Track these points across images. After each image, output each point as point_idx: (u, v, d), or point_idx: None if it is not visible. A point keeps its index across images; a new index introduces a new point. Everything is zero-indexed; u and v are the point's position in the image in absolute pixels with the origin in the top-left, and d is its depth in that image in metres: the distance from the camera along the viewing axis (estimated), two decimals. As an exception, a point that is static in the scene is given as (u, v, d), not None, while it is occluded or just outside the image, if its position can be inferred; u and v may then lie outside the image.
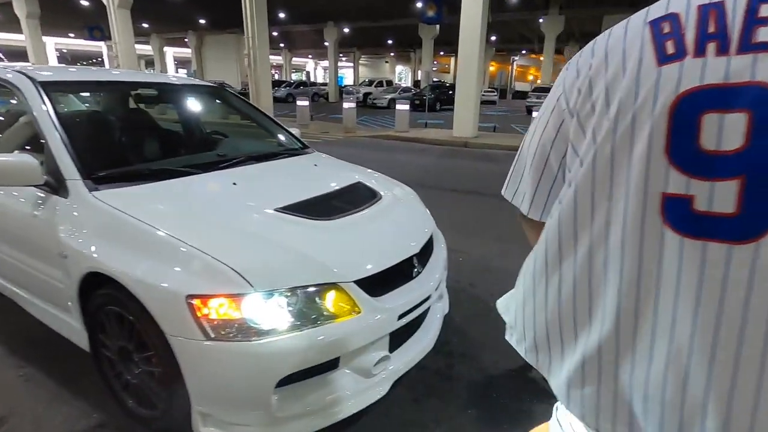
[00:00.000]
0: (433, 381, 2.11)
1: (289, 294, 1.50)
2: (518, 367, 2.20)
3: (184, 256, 1.48)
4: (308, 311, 1.53)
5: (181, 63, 50.33)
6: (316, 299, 1.55)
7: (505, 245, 3.96)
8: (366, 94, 24.73)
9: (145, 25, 29.68)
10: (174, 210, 1.71)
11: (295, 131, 3.07)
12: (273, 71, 60.38)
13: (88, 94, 2.68)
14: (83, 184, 1.75)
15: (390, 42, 35.71)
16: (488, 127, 13.73)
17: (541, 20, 22.68)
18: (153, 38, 33.42)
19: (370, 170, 2.73)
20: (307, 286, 1.54)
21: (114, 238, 1.61)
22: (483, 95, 31.03)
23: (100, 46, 34.58)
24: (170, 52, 49.69)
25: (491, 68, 41.77)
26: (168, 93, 2.86)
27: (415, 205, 2.35)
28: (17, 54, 28.99)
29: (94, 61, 46.87)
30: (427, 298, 1.91)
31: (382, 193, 2.26)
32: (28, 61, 20.55)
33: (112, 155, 2.06)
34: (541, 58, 26.68)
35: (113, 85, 2.39)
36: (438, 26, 23.13)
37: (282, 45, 39.50)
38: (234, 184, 1.99)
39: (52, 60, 45.14)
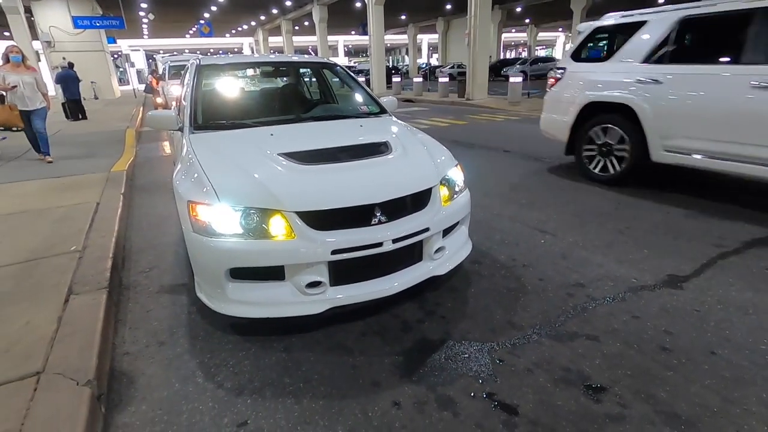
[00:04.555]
0: (393, 327, 2.24)
1: (242, 211, 2.01)
2: (477, 348, 2.07)
3: (196, 175, 2.19)
4: (253, 226, 2.01)
5: (435, 49, 55.07)
6: (261, 219, 2.01)
7: (616, 237, 3.27)
8: (610, 68, 21.33)
9: (403, 17, 33.83)
10: (216, 146, 2.46)
11: (387, 99, 3.45)
12: (522, 50, 58.62)
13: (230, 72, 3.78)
14: (189, 129, 2.72)
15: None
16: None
17: None
18: (409, 28, 37.78)
19: (423, 135, 2.86)
20: (257, 208, 2.01)
21: (181, 157, 2.50)
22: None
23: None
24: (425, 39, 54.88)
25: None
26: (282, 69, 3.71)
27: (422, 169, 2.39)
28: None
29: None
30: (377, 245, 2.06)
31: (394, 151, 2.45)
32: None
33: (213, 113, 3.00)
34: None
35: (240, 66, 3.38)
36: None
37: (527, 20, 37.82)
38: (271, 134, 2.60)
39: (341, 53, 56.94)
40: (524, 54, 48.79)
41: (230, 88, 3.40)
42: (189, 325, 2.32)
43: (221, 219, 2.01)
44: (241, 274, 2.06)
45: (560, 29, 47.53)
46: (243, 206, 2.02)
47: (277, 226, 2.01)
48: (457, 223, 2.51)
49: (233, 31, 43.79)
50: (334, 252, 2.01)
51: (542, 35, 48.14)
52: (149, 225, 3.93)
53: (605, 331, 2.15)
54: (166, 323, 2.35)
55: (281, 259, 2.00)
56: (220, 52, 57.62)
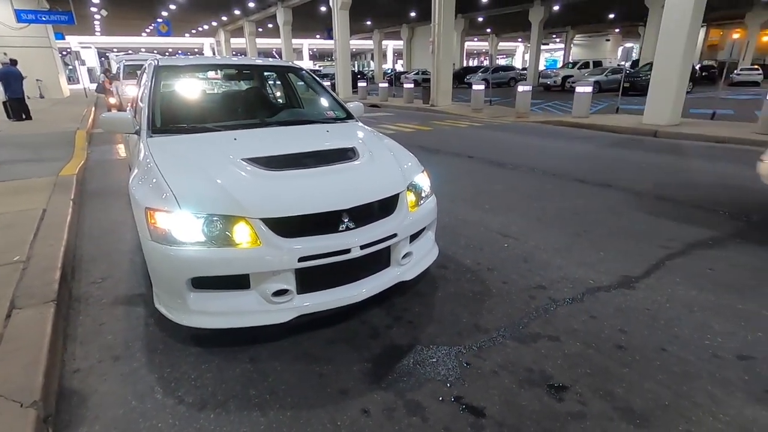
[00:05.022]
0: (361, 333, 2.23)
1: (205, 218, 1.94)
2: (445, 352, 2.10)
3: (154, 180, 2.10)
4: (217, 234, 1.94)
5: (400, 55, 55.67)
6: (225, 226, 1.95)
7: (574, 240, 3.42)
8: (566, 77, 22.41)
9: (368, 23, 34.02)
10: (175, 151, 2.36)
11: (354, 105, 3.44)
12: (483, 58, 60.46)
13: (189, 74, 3.63)
14: (147, 133, 2.60)
15: (612, 17, 30.91)
16: (706, 114, 10.79)
17: None
18: (374, 34, 38.04)
19: (389, 141, 2.87)
20: (220, 215, 1.95)
21: (138, 162, 2.39)
22: (738, 75, 24.00)
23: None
24: (391, 45, 55.41)
25: None
26: (246, 72, 3.64)
27: (389, 175, 2.40)
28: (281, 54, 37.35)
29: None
30: (345, 252, 2.05)
31: (361, 157, 2.44)
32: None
33: (172, 117, 2.88)
34: None
35: (202, 68, 3.30)
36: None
37: (489, 30, 39.05)
38: (235, 139, 2.53)
39: (306, 57, 56.39)
40: (486, 62, 50.30)
41: (191, 90, 3.28)
42: (146, 338, 2.20)
43: (182, 226, 1.93)
44: (203, 283, 1.99)
45: (519, 39, 49.41)
46: (205, 213, 1.95)
47: (242, 233, 1.96)
48: (424, 228, 2.54)
49: (193, 31, 42.43)
50: (301, 259, 1.97)
51: (503, 45, 49.86)
52: (102, 232, 3.72)
53: (566, 332, 2.23)
54: (121, 337, 2.22)
55: (246, 268, 1.95)
56: (179, 52, 55.65)
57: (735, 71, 24.42)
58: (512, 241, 3.44)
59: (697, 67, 22.52)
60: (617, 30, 39.15)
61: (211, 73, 3.57)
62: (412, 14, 30.60)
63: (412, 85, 17.09)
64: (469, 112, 13.40)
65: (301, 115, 3.42)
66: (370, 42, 41.27)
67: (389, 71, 38.75)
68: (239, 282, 2.00)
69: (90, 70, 35.52)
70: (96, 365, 2.01)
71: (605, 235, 3.55)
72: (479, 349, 2.10)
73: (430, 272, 2.84)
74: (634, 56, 26.00)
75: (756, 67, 25.13)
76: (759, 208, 4.14)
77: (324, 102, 3.49)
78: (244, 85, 3.76)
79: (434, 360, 2.02)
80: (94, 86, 22.12)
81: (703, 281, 2.76)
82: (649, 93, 9.66)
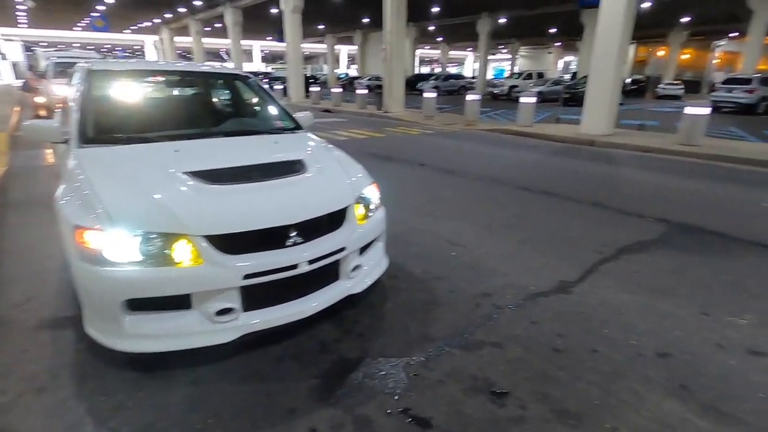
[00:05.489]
0: (310, 349, 2.21)
1: (142, 236, 1.85)
2: (393, 364, 2.13)
3: (85, 194, 1.97)
4: (155, 252, 1.85)
5: (353, 59, 55.81)
6: (164, 245, 1.86)
7: (518, 247, 3.59)
8: (512, 87, 23.50)
9: (321, 27, 33.85)
10: (109, 163, 2.23)
11: (303, 115, 3.40)
12: (436, 65, 62.05)
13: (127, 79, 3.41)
14: (77, 143, 2.43)
15: (553, 31, 32.84)
16: (636, 125, 11.71)
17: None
18: (327, 38, 37.90)
19: (338, 153, 2.88)
20: (159, 233, 1.86)
21: (67, 175, 2.23)
22: (663, 89, 26.32)
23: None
24: (344, 50, 55.46)
25: (686, 56, 34.64)
26: (189, 78, 3.52)
27: (337, 188, 2.41)
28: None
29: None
30: (293, 267, 2.03)
31: (309, 169, 2.43)
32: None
33: (106, 125, 2.71)
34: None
35: (141, 74, 3.16)
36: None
37: (440, 39, 40.14)
38: (176, 151, 2.43)
39: (257, 59, 55.00)
40: (437, 69, 51.59)
41: (127, 97, 3.11)
42: (76, 365, 2.05)
43: (116, 246, 1.82)
44: (140, 305, 1.88)
45: (469, 49, 51.17)
46: (142, 231, 1.85)
47: (183, 251, 1.88)
48: (374, 240, 2.57)
49: (133, 27, 40.10)
50: (246, 276, 1.93)
51: (453, 53, 51.43)
52: (27, 248, 3.42)
53: (508, 338, 2.34)
54: (47, 364, 2.05)
55: (187, 287, 1.87)
56: (118, 49, 52.36)
57: (660, 85, 26.75)
58: (461, 249, 3.56)
59: (628, 81, 24.45)
60: (558, 44, 41.63)
61: (151, 79, 3.39)
62: (365, 20, 30.80)
63: (365, 91, 17.18)
64: (421, 119, 13.67)
65: (248, 126, 3.34)
66: (324, 45, 41.05)
67: (343, 75, 38.76)
68: (180, 302, 1.92)
69: (14, 65, 32.53)
70: (16, 399, 1.84)
71: (547, 241, 3.76)
72: (427, 360, 2.15)
73: (381, 282, 2.87)
74: (573, 69, 27.74)
75: (678, 82, 27.67)
76: (679, 212, 4.55)
77: (272, 111, 3.43)
78: (187, 91, 3.61)
79: (383, 372, 2.05)
80: (20, 83, 20.26)
81: (630, 284, 2.99)
82: (584, 105, 10.35)
